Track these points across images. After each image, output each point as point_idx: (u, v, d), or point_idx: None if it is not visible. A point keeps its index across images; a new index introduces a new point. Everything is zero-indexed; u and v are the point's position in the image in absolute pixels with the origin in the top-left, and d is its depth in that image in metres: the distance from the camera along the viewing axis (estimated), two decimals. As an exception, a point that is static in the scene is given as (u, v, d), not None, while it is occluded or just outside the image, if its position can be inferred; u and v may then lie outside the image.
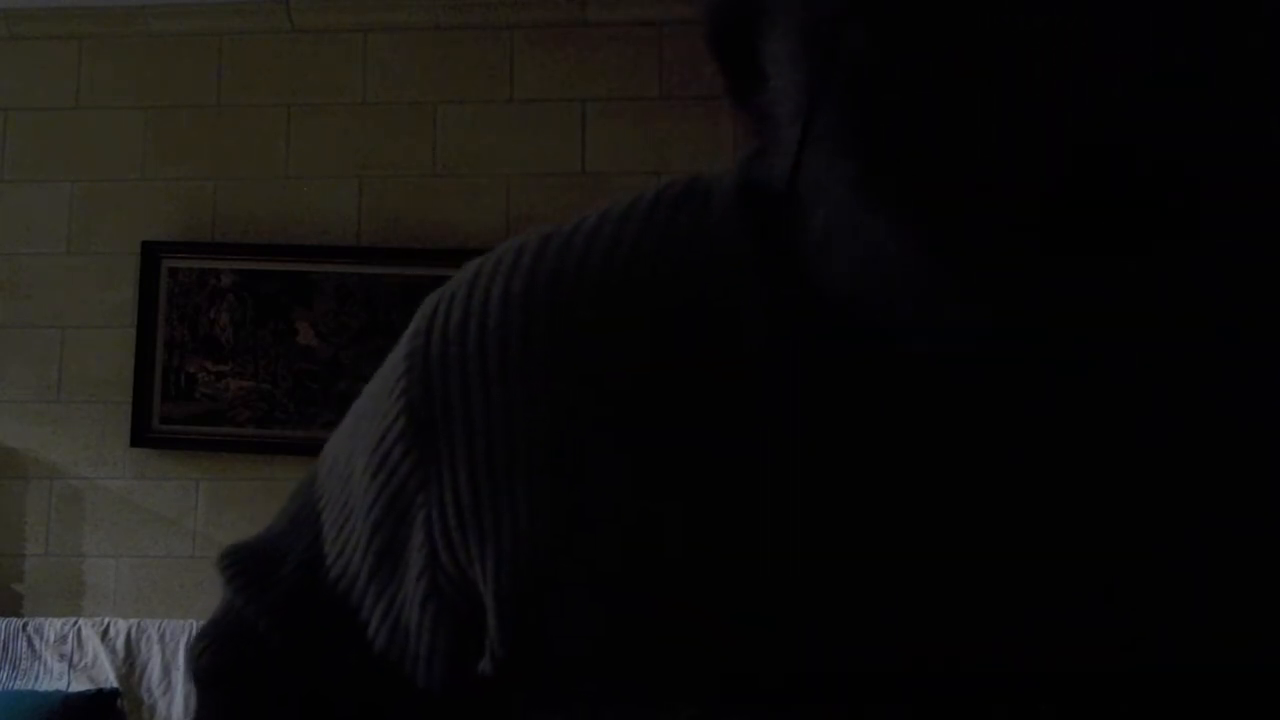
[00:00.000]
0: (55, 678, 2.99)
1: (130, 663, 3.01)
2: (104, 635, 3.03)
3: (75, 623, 3.06)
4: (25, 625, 3.06)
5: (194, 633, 3.00)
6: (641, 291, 0.49)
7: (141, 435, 3.19)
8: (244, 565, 0.62)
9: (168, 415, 3.20)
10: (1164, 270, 0.39)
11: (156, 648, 3.02)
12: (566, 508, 0.47)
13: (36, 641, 3.03)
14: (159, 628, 3.04)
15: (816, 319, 0.45)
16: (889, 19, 0.37)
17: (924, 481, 0.44)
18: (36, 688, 2.97)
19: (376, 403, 0.56)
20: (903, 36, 0.37)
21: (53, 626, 3.05)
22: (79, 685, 2.97)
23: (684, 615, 0.45)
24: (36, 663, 3.01)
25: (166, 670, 3.00)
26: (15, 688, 2.97)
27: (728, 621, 0.44)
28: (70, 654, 3.02)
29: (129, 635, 3.03)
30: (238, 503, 3.16)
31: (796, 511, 0.44)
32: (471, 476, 0.50)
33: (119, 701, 2.96)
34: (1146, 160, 0.36)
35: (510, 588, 0.48)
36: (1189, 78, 0.36)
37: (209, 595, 3.14)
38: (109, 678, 2.98)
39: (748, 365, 0.46)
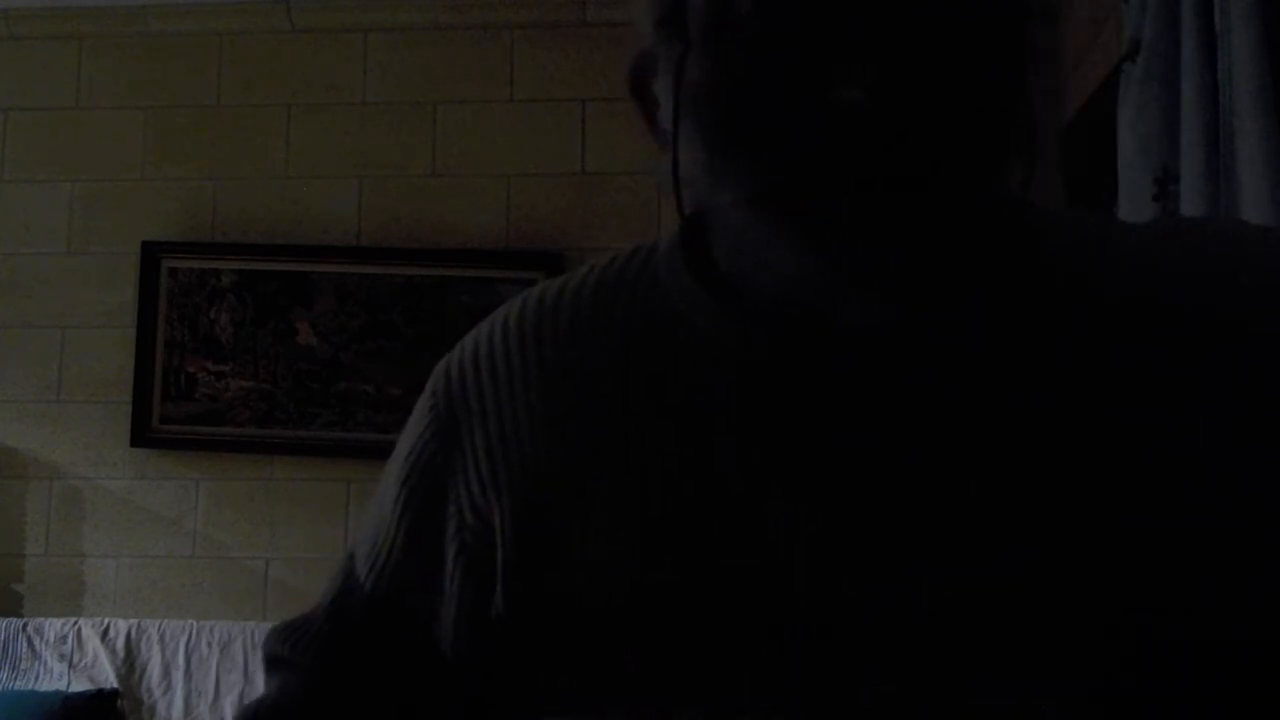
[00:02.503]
0: (55, 678, 2.99)
1: (130, 663, 3.01)
2: (104, 635, 3.03)
3: (75, 623, 3.06)
4: (25, 625, 3.06)
5: (194, 632, 3.02)
6: (604, 300, 0.69)
7: (141, 435, 3.19)
8: (283, 625, 0.76)
9: (168, 415, 3.20)
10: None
11: (156, 648, 3.02)
12: (556, 457, 0.65)
13: (36, 641, 3.03)
14: (159, 628, 3.04)
15: (723, 299, 0.65)
16: (709, 56, 0.60)
17: (836, 449, 0.60)
18: (36, 688, 2.97)
19: (404, 441, 0.72)
20: (718, 64, 0.60)
21: (53, 626, 3.05)
22: (79, 685, 2.97)
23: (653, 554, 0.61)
24: (36, 663, 3.01)
25: (166, 670, 3.00)
26: (15, 688, 2.97)
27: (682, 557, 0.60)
28: (70, 654, 3.02)
29: (129, 635, 3.03)
30: (238, 503, 3.16)
31: (726, 468, 0.61)
32: (488, 448, 0.67)
33: (119, 701, 2.96)
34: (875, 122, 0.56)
35: (518, 516, 0.65)
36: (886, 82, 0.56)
37: (209, 595, 3.14)
38: (109, 678, 2.98)
39: (677, 345, 0.65)
